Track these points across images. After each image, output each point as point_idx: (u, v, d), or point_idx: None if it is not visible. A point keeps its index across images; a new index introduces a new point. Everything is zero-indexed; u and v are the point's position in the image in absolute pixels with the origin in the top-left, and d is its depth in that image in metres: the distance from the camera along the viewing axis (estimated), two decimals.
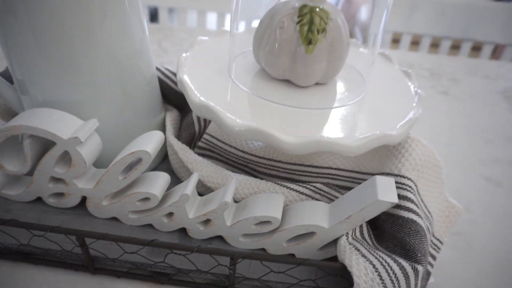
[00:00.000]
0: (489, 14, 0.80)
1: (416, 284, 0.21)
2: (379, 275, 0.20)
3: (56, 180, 0.25)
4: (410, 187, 0.23)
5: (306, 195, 0.24)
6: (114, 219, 0.26)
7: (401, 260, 0.21)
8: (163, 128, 0.31)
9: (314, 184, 0.25)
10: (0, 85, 0.27)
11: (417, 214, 0.22)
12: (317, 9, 0.23)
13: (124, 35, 0.24)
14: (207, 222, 0.24)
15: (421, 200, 0.23)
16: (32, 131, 0.22)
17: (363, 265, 0.21)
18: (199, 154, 0.29)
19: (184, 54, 0.27)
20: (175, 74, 0.33)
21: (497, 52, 1.48)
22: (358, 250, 0.21)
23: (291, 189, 0.24)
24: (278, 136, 0.20)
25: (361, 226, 0.23)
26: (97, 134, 0.24)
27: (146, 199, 0.24)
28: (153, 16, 1.52)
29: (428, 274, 0.24)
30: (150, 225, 0.26)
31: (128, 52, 0.25)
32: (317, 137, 0.21)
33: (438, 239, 0.26)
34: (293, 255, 0.25)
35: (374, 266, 0.20)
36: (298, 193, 0.24)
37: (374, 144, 0.21)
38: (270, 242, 0.24)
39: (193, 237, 0.25)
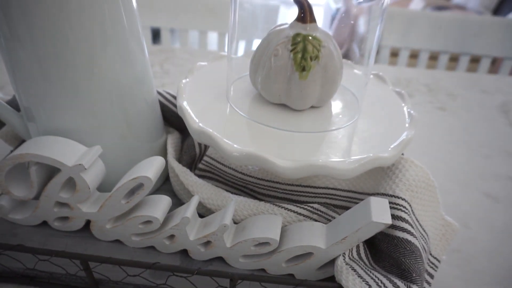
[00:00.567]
0: (485, 28, 0.81)
1: None
2: None
3: (61, 204, 0.26)
4: (404, 207, 0.23)
5: (304, 215, 0.25)
6: (118, 241, 0.27)
7: (396, 280, 0.21)
8: (164, 151, 0.32)
9: (311, 205, 0.25)
10: (8, 113, 0.28)
11: (412, 234, 0.22)
12: (310, 37, 0.24)
13: (126, 62, 0.25)
14: (207, 243, 0.25)
15: (416, 219, 0.24)
16: (38, 159, 0.23)
17: (359, 285, 0.21)
18: (200, 176, 0.30)
19: (184, 80, 0.28)
20: (175, 97, 0.34)
21: (496, 64, 1.49)
22: (355, 270, 0.22)
23: (289, 210, 0.25)
24: (273, 161, 0.21)
25: (358, 246, 0.24)
26: (100, 160, 0.25)
27: (148, 222, 0.25)
28: (156, 35, 1.55)
29: None
30: (152, 247, 0.26)
31: (130, 79, 0.26)
32: (311, 161, 0.21)
33: (435, 257, 0.26)
34: (292, 275, 0.25)
35: (370, 286, 0.21)
36: (296, 214, 0.25)
37: (368, 167, 0.22)
38: (269, 262, 0.25)
39: (194, 258, 0.26)
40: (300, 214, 0.25)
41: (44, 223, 0.27)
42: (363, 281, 0.21)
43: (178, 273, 0.23)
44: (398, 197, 0.24)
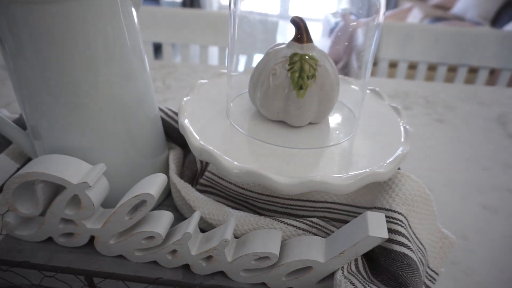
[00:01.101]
0: (482, 40, 0.82)
1: None
2: None
3: (66, 221, 0.26)
4: (401, 221, 0.24)
5: (303, 229, 0.26)
6: (121, 256, 0.27)
7: None
8: (166, 167, 0.33)
9: (310, 219, 0.26)
10: (15, 132, 0.29)
11: (409, 248, 0.23)
12: (307, 57, 0.25)
13: (129, 80, 0.26)
14: (209, 258, 0.25)
15: (413, 233, 0.24)
16: (44, 177, 0.24)
17: None
18: (201, 191, 0.31)
19: (185, 98, 0.29)
20: (176, 114, 0.35)
21: (495, 74, 1.50)
22: (353, 284, 0.22)
23: (288, 224, 0.26)
24: (272, 177, 0.22)
25: (356, 260, 0.24)
26: (104, 177, 0.25)
27: (151, 237, 0.25)
28: (157, 48, 1.57)
29: None
30: (155, 262, 0.27)
31: (132, 97, 0.27)
32: (309, 177, 0.22)
33: (433, 270, 0.27)
34: None
35: None
36: (295, 228, 0.26)
37: (364, 182, 0.23)
38: (270, 276, 0.25)
39: (196, 272, 0.26)
40: (299, 228, 0.26)
41: (49, 239, 0.28)
42: None
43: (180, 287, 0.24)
44: (395, 211, 0.24)
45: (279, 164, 0.24)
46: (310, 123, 0.27)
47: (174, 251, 0.26)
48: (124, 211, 0.24)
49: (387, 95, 0.59)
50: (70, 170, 0.24)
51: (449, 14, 2.42)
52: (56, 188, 0.26)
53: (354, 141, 0.27)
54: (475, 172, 0.43)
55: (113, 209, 0.25)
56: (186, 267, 0.27)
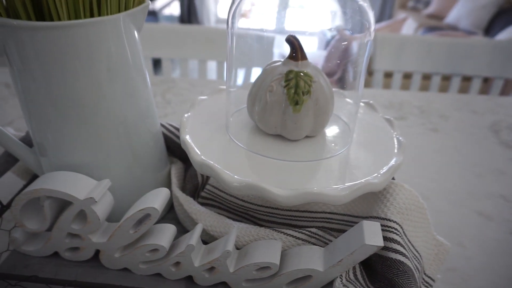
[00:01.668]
0: (475, 50, 0.84)
1: None
2: None
3: (73, 235, 0.27)
4: (396, 229, 0.25)
5: (302, 239, 0.26)
6: (126, 269, 0.28)
7: None
8: (168, 181, 0.33)
9: (309, 229, 0.27)
10: (21, 150, 0.30)
11: (404, 255, 0.24)
12: (302, 74, 0.26)
13: (131, 97, 0.27)
14: (211, 269, 0.26)
15: (408, 241, 0.25)
16: (52, 194, 0.25)
17: None
18: (203, 204, 0.31)
19: (186, 115, 0.30)
20: (177, 129, 0.36)
21: (488, 82, 1.53)
22: None
23: (288, 234, 0.26)
24: (271, 190, 0.23)
25: (354, 268, 0.25)
26: (109, 193, 0.26)
27: (155, 250, 0.26)
28: (156, 62, 1.59)
29: None
30: (158, 274, 0.28)
31: (135, 113, 0.28)
32: (307, 189, 0.23)
33: (429, 277, 0.27)
34: None
35: None
36: (295, 238, 0.26)
37: (359, 192, 0.24)
38: (271, 286, 0.26)
39: (199, 284, 0.27)
40: (298, 238, 0.26)
41: (54, 254, 0.29)
42: None
43: None
44: (390, 220, 0.25)
45: (278, 176, 0.24)
46: (307, 137, 0.29)
47: (177, 263, 0.26)
48: (129, 225, 0.25)
49: (382, 106, 0.60)
50: (76, 186, 0.25)
51: (442, 23, 2.46)
52: (63, 204, 0.27)
53: (349, 153, 0.28)
54: (469, 179, 0.44)
55: (118, 223, 0.25)
56: (189, 278, 0.27)
